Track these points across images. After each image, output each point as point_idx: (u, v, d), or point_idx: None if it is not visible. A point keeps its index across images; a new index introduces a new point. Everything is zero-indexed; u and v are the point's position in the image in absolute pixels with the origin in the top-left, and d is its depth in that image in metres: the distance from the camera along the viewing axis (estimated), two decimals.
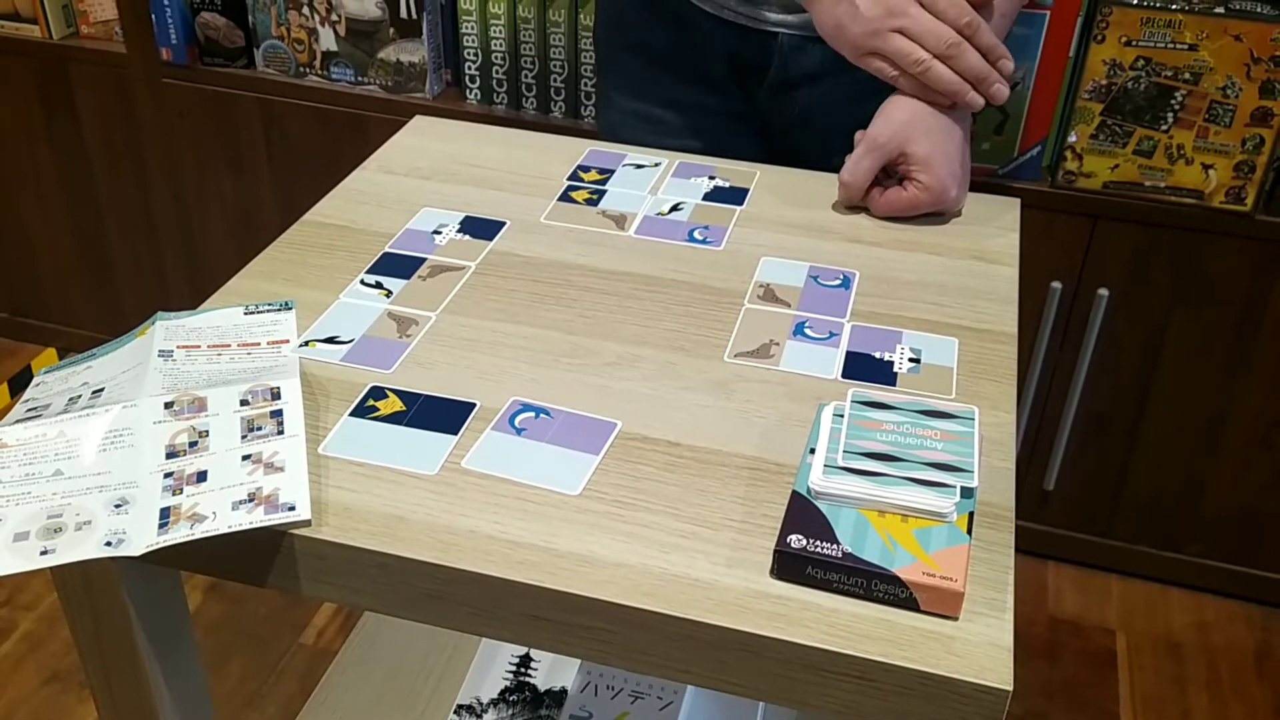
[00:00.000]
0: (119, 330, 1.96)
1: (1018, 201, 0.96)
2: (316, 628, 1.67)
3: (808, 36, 1.05)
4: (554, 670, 1.06)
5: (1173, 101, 1.43)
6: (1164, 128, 1.45)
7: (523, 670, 1.06)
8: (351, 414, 0.69)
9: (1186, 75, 1.41)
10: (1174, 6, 1.38)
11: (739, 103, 1.13)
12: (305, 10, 1.71)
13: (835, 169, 0.94)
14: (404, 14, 1.67)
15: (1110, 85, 1.44)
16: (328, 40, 1.72)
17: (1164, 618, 1.73)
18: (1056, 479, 1.71)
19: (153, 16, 1.75)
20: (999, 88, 0.91)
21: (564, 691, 1.04)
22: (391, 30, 1.69)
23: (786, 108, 1.10)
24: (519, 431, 0.68)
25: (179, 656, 0.73)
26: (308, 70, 1.76)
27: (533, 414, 0.70)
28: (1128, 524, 1.74)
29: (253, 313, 0.77)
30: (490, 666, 1.07)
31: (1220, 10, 1.38)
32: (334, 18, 1.70)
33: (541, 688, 1.04)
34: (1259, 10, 1.38)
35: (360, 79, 1.74)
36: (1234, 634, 1.71)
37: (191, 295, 2.00)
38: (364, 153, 1.01)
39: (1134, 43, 1.41)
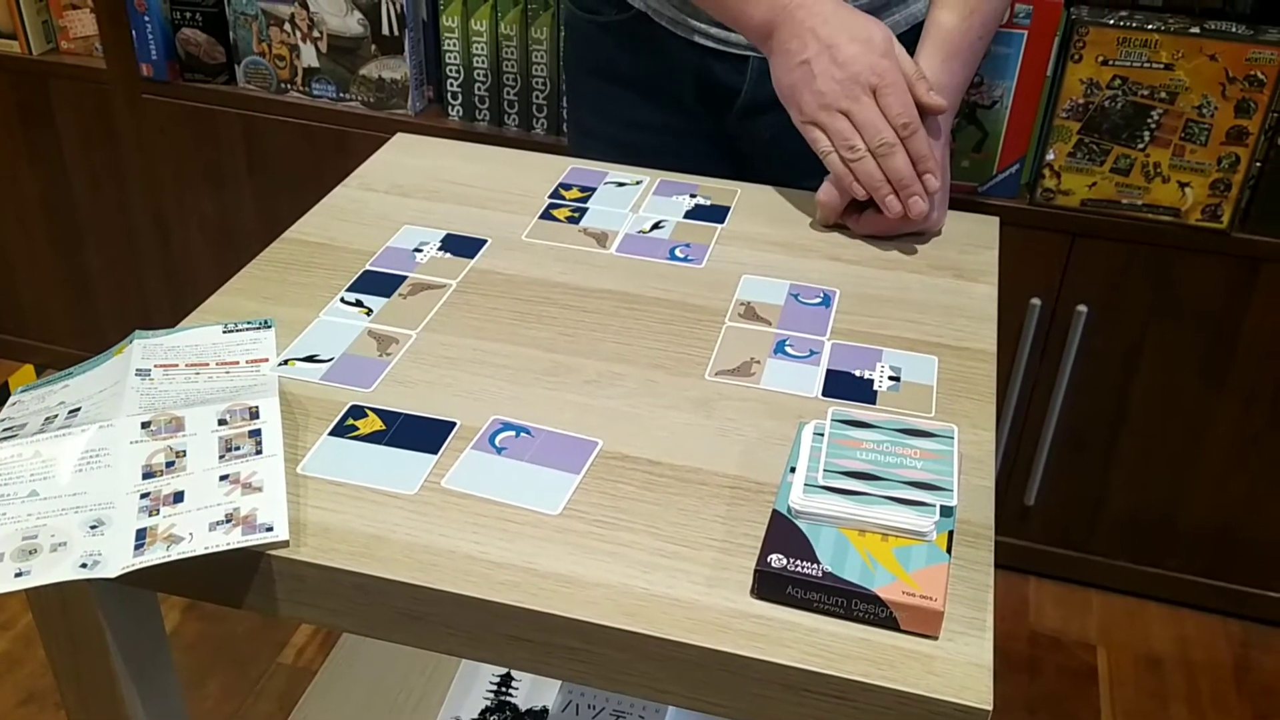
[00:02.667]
0: (98, 346, 1.94)
1: (997, 220, 0.97)
2: (296, 647, 1.66)
3: None
4: (535, 690, 1.05)
5: (1149, 120, 1.44)
6: (1141, 146, 1.46)
7: (504, 690, 1.05)
8: (331, 433, 0.69)
9: (1163, 94, 1.42)
10: (1150, 27, 1.40)
11: (708, 125, 1.13)
12: (287, 27, 1.71)
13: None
14: (386, 31, 1.67)
15: (1087, 104, 1.45)
16: (309, 57, 1.72)
17: (1144, 632, 1.74)
18: (1037, 494, 1.72)
19: (133, 32, 1.75)
20: (916, 200, 0.88)
21: (545, 711, 1.03)
22: (373, 47, 1.69)
23: (756, 131, 1.10)
24: (499, 450, 0.68)
25: (156, 678, 0.72)
26: (289, 86, 1.76)
27: (513, 433, 0.69)
28: (1107, 539, 1.75)
29: (231, 331, 0.77)
30: (471, 686, 1.06)
31: (1196, 30, 1.39)
32: (315, 34, 1.70)
33: (523, 707, 1.04)
34: (1234, 30, 1.39)
35: (342, 95, 1.74)
36: (1213, 648, 1.72)
37: (171, 311, 1.99)
38: (345, 169, 1.01)
39: (1111, 62, 1.42)
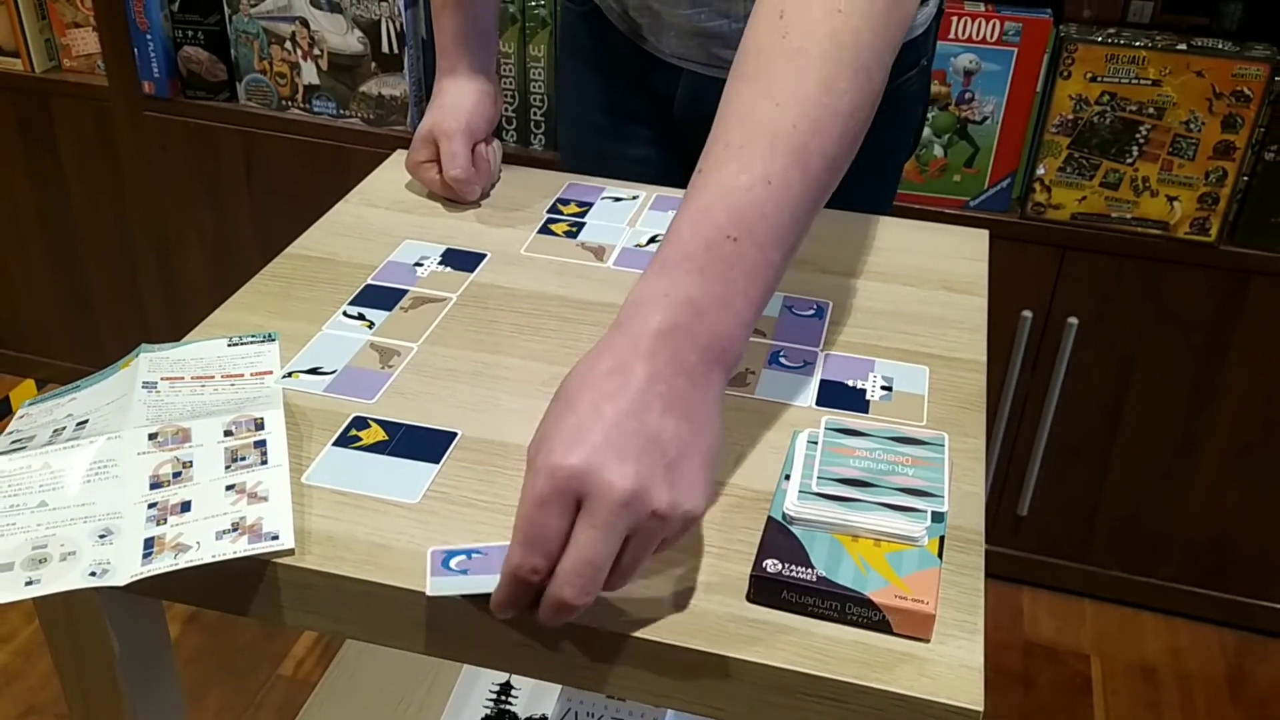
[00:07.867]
0: (97, 361, 1.95)
1: (986, 233, 0.99)
2: (295, 658, 1.67)
3: (713, 78, 1.03)
4: (534, 698, 1.06)
5: (1137, 135, 1.46)
6: (1129, 161, 1.48)
7: (503, 698, 1.06)
8: (334, 444, 0.70)
9: (1150, 110, 1.45)
10: (1138, 44, 1.42)
11: (664, 124, 1.12)
12: (287, 45, 1.73)
13: None
14: (386, 49, 1.69)
15: (1077, 120, 1.47)
16: (310, 74, 1.74)
17: (1138, 642, 1.75)
18: (1030, 505, 1.73)
19: (135, 50, 1.77)
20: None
21: (544, 719, 1.04)
22: (373, 64, 1.71)
23: (691, 145, 1.06)
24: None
25: (160, 688, 0.73)
26: (289, 104, 1.77)
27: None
28: (1101, 549, 1.76)
29: (236, 344, 0.78)
30: (470, 695, 1.07)
31: (1183, 47, 1.41)
32: (316, 52, 1.72)
33: (522, 715, 1.05)
34: (1221, 47, 1.41)
35: (342, 112, 1.76)
36: (1207, 658, 1.72)
37: (169, 327, 2.00)
38: (345, 186, 1.03)
39: (1099, 78, 1.44)
